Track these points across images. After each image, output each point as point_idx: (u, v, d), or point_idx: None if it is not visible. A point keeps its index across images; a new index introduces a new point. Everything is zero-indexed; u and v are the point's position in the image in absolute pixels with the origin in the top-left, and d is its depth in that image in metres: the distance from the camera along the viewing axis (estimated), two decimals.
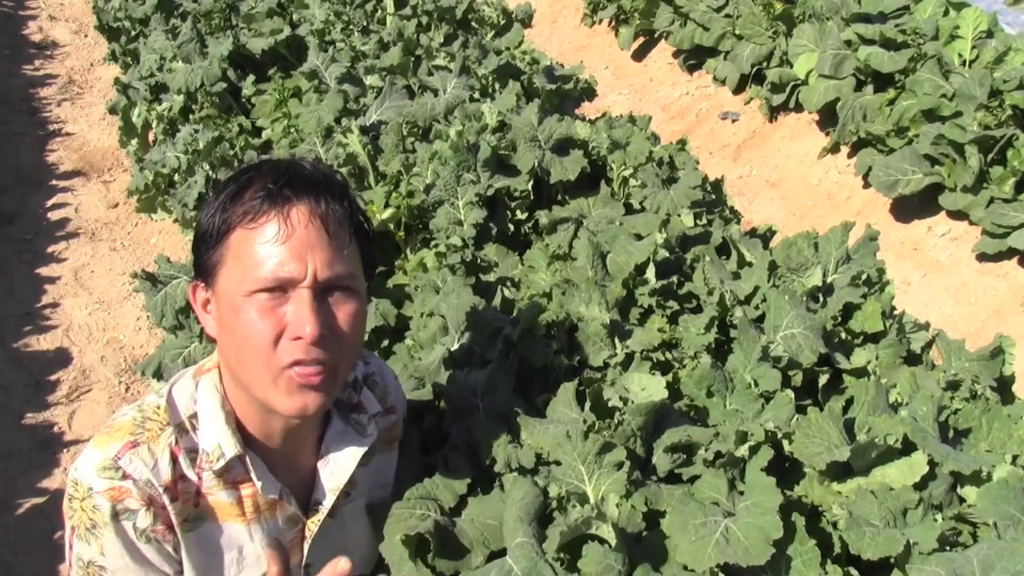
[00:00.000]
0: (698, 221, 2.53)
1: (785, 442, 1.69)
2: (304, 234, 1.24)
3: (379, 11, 4.70)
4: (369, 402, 1.54)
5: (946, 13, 4.56)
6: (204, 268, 1.31)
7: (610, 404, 1.75)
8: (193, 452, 1.36)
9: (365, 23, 4.52)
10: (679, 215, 2.52)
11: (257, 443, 1.39)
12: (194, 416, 1.37)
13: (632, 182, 2.69)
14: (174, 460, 1.33)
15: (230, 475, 1.38)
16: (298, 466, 1.47)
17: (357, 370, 1.56)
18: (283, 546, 1.29)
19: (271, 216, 1.24)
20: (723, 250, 2.46)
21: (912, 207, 4.29)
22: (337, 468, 1.47)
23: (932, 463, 1.61)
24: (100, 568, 1.32)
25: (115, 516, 1.29)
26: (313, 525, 1.47)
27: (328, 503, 1.47)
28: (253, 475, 1.37)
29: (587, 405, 1.73)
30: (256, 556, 1.43)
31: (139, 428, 1.34)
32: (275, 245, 1.23)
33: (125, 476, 1.29)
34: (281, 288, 1.24)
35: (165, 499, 1.32)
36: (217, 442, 1.35)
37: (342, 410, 1.51)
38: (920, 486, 1.60)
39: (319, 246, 1.25)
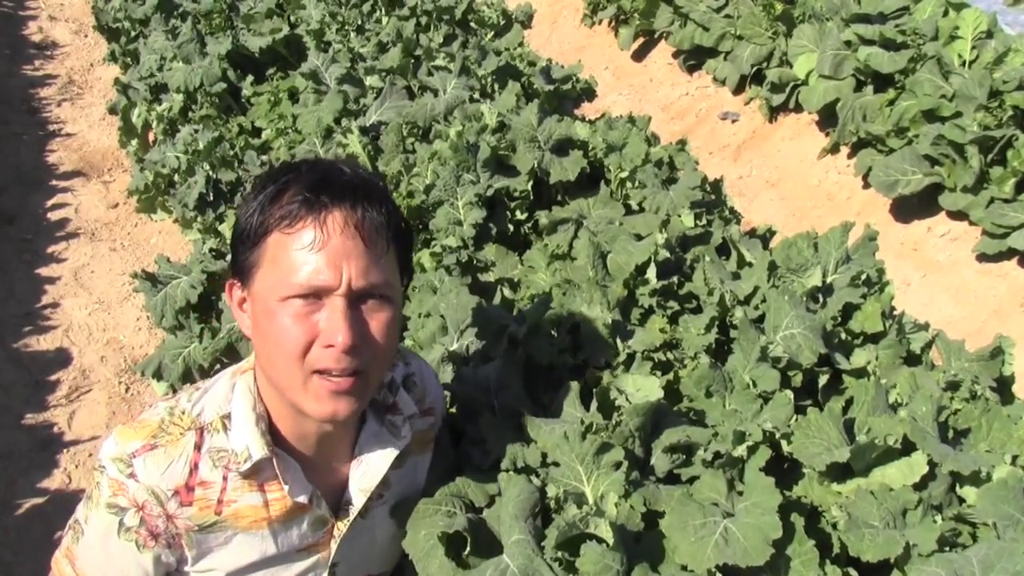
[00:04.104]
0: (698, 221, 2.53)
1: (784, 442, 1.69)
2: (340, 242, 1.23)
3: (376, 11, 4.70)
4: (405, 404, 1.53)
5: (946, 13, 4.55)
6: (241, 268, 1.31)
7: (617, 404, 1.75)
8: (223, 452, 1.36)
9: (360, 22, 4.52)
10: (679, 215, 2.52)
11: (291, 445, 1.40)
12: (227, 416, 1.37)
13: (629, 184, 2.69)
14: (193, 467, 1.34)
15: (258, 477, 1.38)
16: (332, 468, 1.47)
17: (396, 371, 1.56)
18: None
19: (308, 222, 1.23)
20: (723, 250, 2.46)
21: (912, 207, 4.28)
22: (369, 469, 1.47)
23: (932, 463, 1.61)
24: (81, 532, 1.37)
25: (108, 506, 1.32)
26: (342, 525, 1.47)
27: (358, 504, 1.47)
28: (281, 478, 1.37)
29: (594, 405, 1.74)
30: (276, 564, 1.43)
31: (162, 431, 1.35)
32: (311, 252, 1.23)
33: (132, 475, 1.31)
34: (315, 295, 1.24)
35: (171, 505, 1.33)
36: (246, 444, 1.35)
37: (377, 411, 1.50)
38: (920, 486, 1.60)
39: (355, 254, 1.24)
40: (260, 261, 1.27)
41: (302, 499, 1.39)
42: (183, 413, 1.37)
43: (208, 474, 1.35)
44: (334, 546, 1.47)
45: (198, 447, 1.35)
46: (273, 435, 1.38)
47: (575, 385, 1.77)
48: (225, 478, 1.36)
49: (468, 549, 1.46)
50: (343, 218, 1.24)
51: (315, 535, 1.46)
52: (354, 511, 1.47)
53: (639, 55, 6.51)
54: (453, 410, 1.84)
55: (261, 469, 1.37)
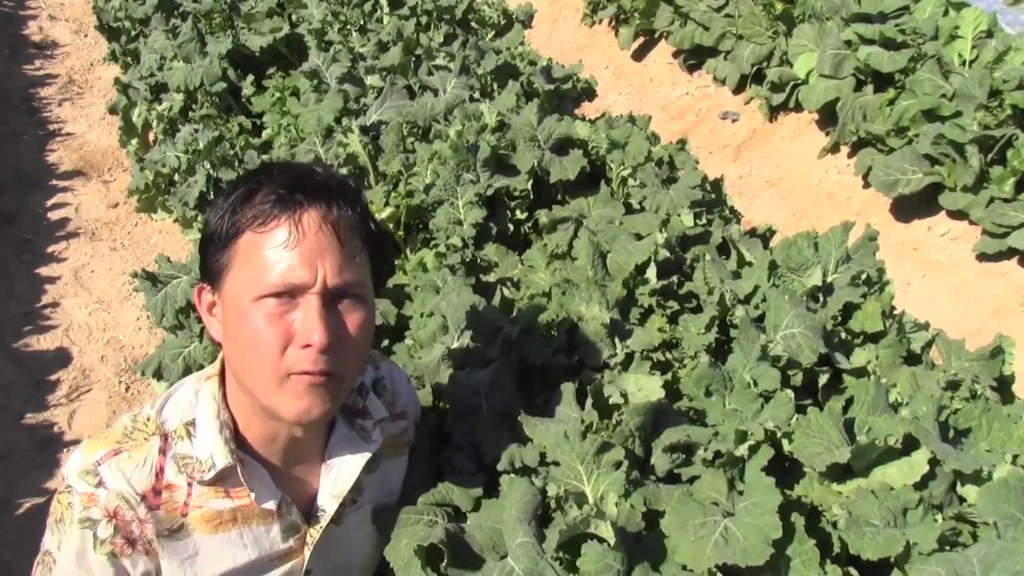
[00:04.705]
0: (698, 221, 2.53)
1: (784, 442, 1.68)
2: (315, 240, 1.23)
3: (377, 11, 4.70)
4: (375, 408, 1.52)
5: (946, 13, 4.55)
6: (211, 271, 1.30)
7: (611, 402, 1.75)
8: (187, 459, 1.35)
9: (362, 22, 4.52)
10: (679, 215, 2.52)
11: (258, 452, 1.38)
12: (192, 423, 1.36)
13: (631, 182, 2.69)
14: (158, 471, 1.33)
15: (224, 484, 1.36)
16: (303, 474, 1.46)
17: (365, 375, 1.55)
18: None
19: (282, 220, 1.23)
20: (723, 250, 2.46)
21: (912, 207, 4.28)
22: (340, 475, 1.45)
23: (932, 462, 1.61)
24: (52, 560, 1.34)
25: (80, 521, 1.30)
26: (315, 532, 1.45)
27: (330, 510, 1.45)
28: (247, 485, 1.36)
29: (588, 404, 1.73)
30: (250, 572, 1.42)
31: (126, 437, 1.34)
32: (285, 250, 1.22)
33: (100, 483, 1.30)
34: (290, 294, 1.23)
35: (140, 509, 1.31)
36: (210, 452, 1.34)
37: (347, 416, 1.49)
38: (920, 486, 1.60)
39: (329, 252, 1.24)
40: (231, 263, 1.26)
41: (270, 505, 1.38)
42: (147, 420, 1.36)
43: (174, 478, 1.34)
44: (307, 554, 1.46)
45: (163, 451, 1.34)
46: (240, 442, 1.36)
47: (570, 386, 1.77)
48: (190, 484, 1.34)
49: (446, 562, 1.43)
50: (318, 216, 1.24)
51: (287, 542, 1.44)
52: (326, 517, 1.45)
53: (639, 55, 6.51)
54: (449, 409, 1.84)
55: (226, 477, 1.35)
